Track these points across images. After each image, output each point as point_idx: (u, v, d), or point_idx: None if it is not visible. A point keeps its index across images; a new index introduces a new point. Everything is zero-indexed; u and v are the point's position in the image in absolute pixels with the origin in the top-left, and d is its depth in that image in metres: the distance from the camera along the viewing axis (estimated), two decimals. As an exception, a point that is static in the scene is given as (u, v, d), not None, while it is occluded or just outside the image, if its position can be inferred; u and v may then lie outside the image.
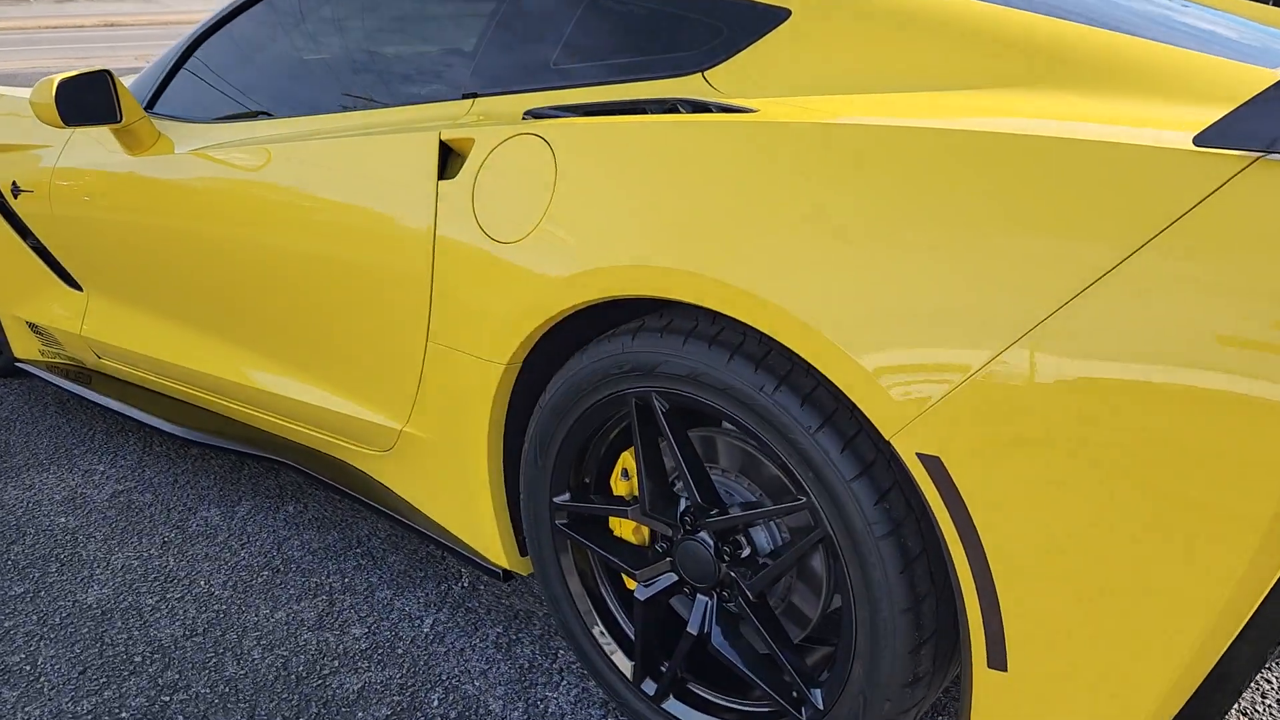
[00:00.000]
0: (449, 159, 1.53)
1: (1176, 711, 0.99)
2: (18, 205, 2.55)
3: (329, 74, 1.93)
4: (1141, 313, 0.90)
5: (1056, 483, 0.96)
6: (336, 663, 1.73)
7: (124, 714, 1.62)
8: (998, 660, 1.06)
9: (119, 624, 1.85)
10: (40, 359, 2.79)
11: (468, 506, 1.62)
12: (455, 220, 1.47)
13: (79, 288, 2.50)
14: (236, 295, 1.95)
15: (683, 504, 1.37)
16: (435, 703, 1.63)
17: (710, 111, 1.27)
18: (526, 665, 1.71)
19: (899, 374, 1.03)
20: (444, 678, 1.69)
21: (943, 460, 1.02)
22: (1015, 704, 1.06)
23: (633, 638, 1.49)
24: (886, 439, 1.05)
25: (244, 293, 1.93)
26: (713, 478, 1.34)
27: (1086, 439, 0.94)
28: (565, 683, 1.67)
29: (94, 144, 2.28)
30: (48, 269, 2.58)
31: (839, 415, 1.13)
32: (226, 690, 1.66)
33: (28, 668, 1.74)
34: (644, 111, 1.32)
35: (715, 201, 1.17)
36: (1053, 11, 1.32)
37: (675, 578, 1.40)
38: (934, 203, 1.02)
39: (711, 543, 1.32)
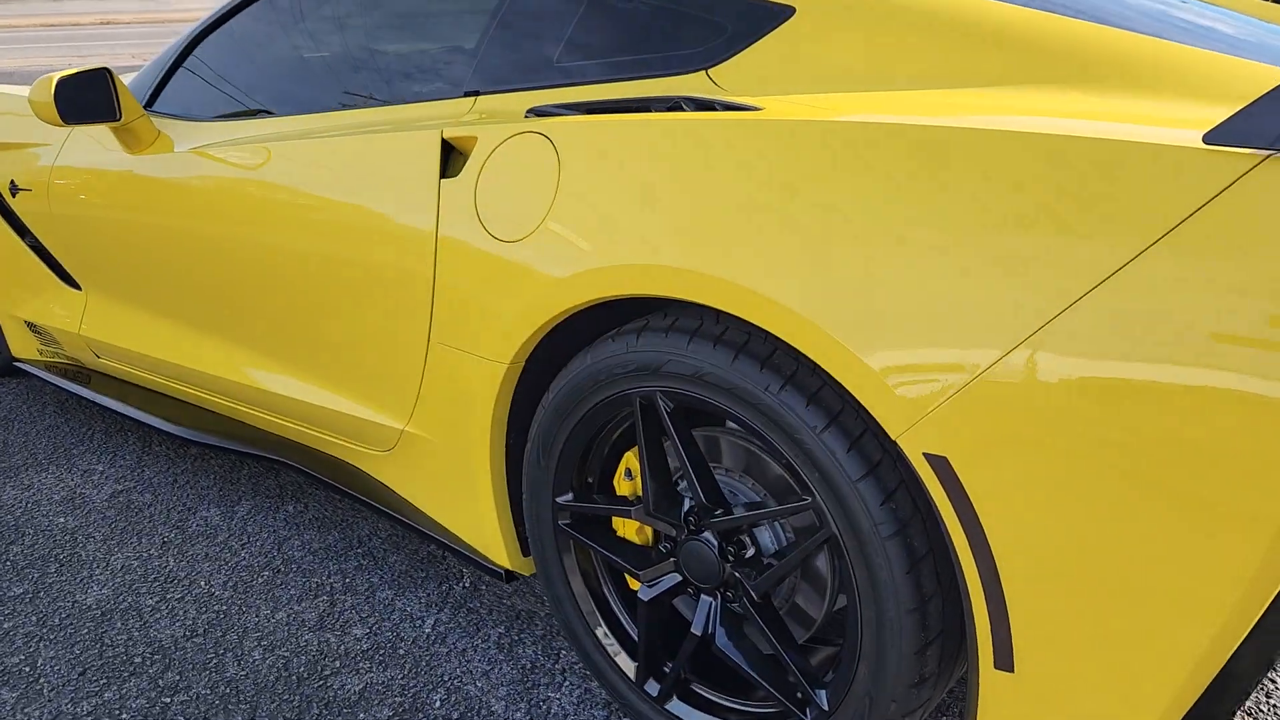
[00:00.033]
0: (451, 157, 1.52)
1: (1184, 713, 0.98)
2: (16, 204, 2.54)
3: (330, 72, 1.92)
4: (1151, 312, 0.89)
5: (1064, 483, 0.96)
6: (338, 663, 1.72)
7: (124, 715, 1.61)
8: (1004, 661, 1.05)
9: (119, 625, 1.84)
10: (39, 358, 2.78)
11: (470, 507, 1.62)
12: (458, 219, 1.47)
13: (77, 287, 2.49)
14: (237, 294, 1.95)
15: (687, 504, 1.36)
16: (437, 704, 1.62)
17: (715, 109, 1.26)
18: (529, 666, 1.71)
19: (906, 373, 1.02)
20: (446, 678, 1.68)
21: (950, 460, 1.02)
22: (1022, 705, 1.06)
23: (636, 638, 1.48)
24: (893, 439, 1.05)
25: (244, 292, 1.92)
26: (717, 477, 1.34)
27: (1094, 439, 0.93)
28: (568, 683, 1.66)
29: (93, 142, 2.27)
30: (46, 268, 2.57)
31: (845, 415, 1.13)
32: (227, 691, 1.66)
33: (27, 669, 1.73)
34: (648, 109, 1.31)
35: (720, 200, 1.16)
36: (1058, 9, 1.31)
37: (679, 578, 1.39)
38: (941, 201, 1.01)
39: (716, 543, 1.31)
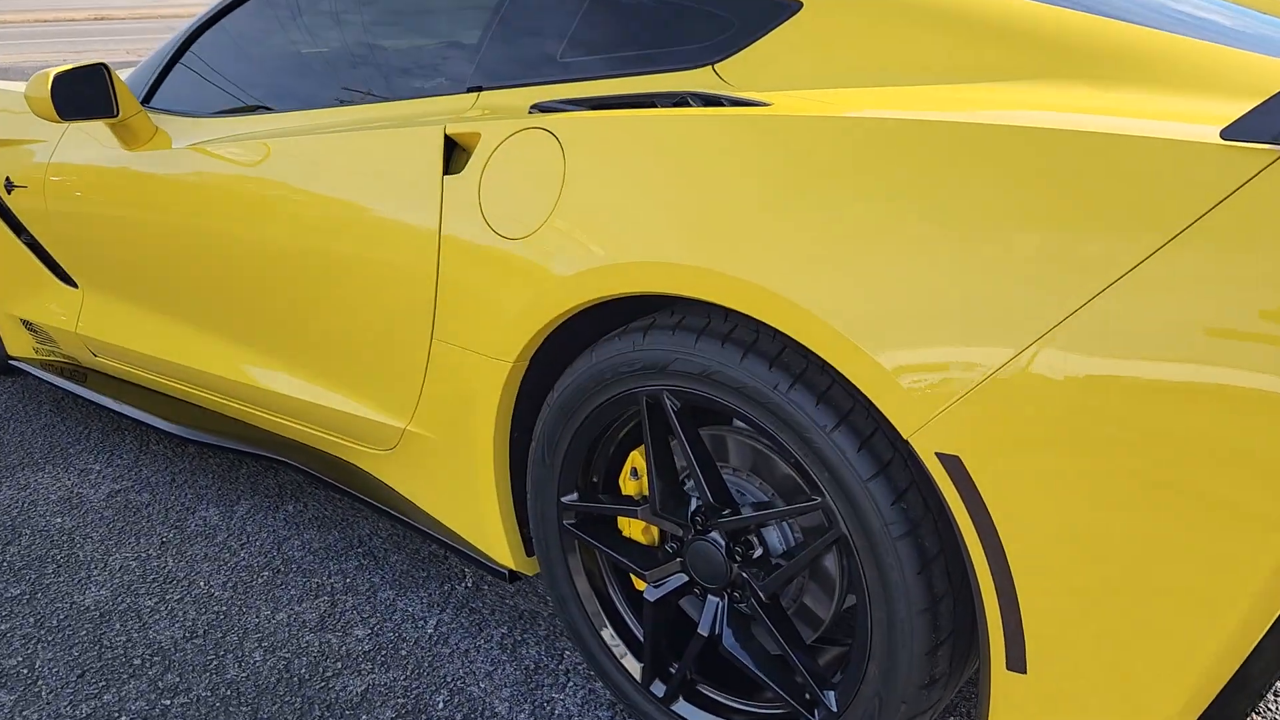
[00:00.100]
0: (454, 153, 1.50)
1: (1199, 715, 0.97)
2: (11, 201, 2.52)
3: (329, 67, 1.90)
4: (1167, 310, 0.88)
5: (1078, 483, 0.95)
6: (339, 665, 1.71)
7: (124, 718, 1.59)
8: (1017, 663, 1.04)
9: (117, 626, 1.82)
10: (35, 357, 2.76)
11: (473, 506, 1.60)
12: (461, 216, 1.45)
13: (74, 284, 2.47)
14: (236, 292, 1.93)
15: (693, 504, 1.35)
16: (440, 705, 1.61)
17: (722, 105, 1.24)
18: (532, 666, 1.69)
19: (918, 372, 1.01)
20: (449, 679, 1.67)
21: (962, 460, 1.00)
22: (1034, 707, 1.05)
23: (641, 639, 1.47)
24: (905, 438, 1.04)
25: (243, 289, 1.90)
26: (724, 477, 1.33)
27: (1109, 438, 0.92)
28: (572, 684, 1.65)
29: (89, 139, 2.25)
30: (42, 266, 2.55)
31: (855, 414, 1.11)
32: (228, 693, 1.64)
33: (25, 671, 1.71)
34: (653, 105, 1.30)
35: (728, 197, 1.15)
36: (1066, 3, 1.30)
37: (685, 578, 1.38)
38: (953, 197, 1.00)
39: (723, 543, 1.30)
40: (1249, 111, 0.89)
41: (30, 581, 1.98)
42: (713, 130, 1.19)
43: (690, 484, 1.37)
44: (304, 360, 1.85)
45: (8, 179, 2.49)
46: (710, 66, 1.39)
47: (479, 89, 1.63)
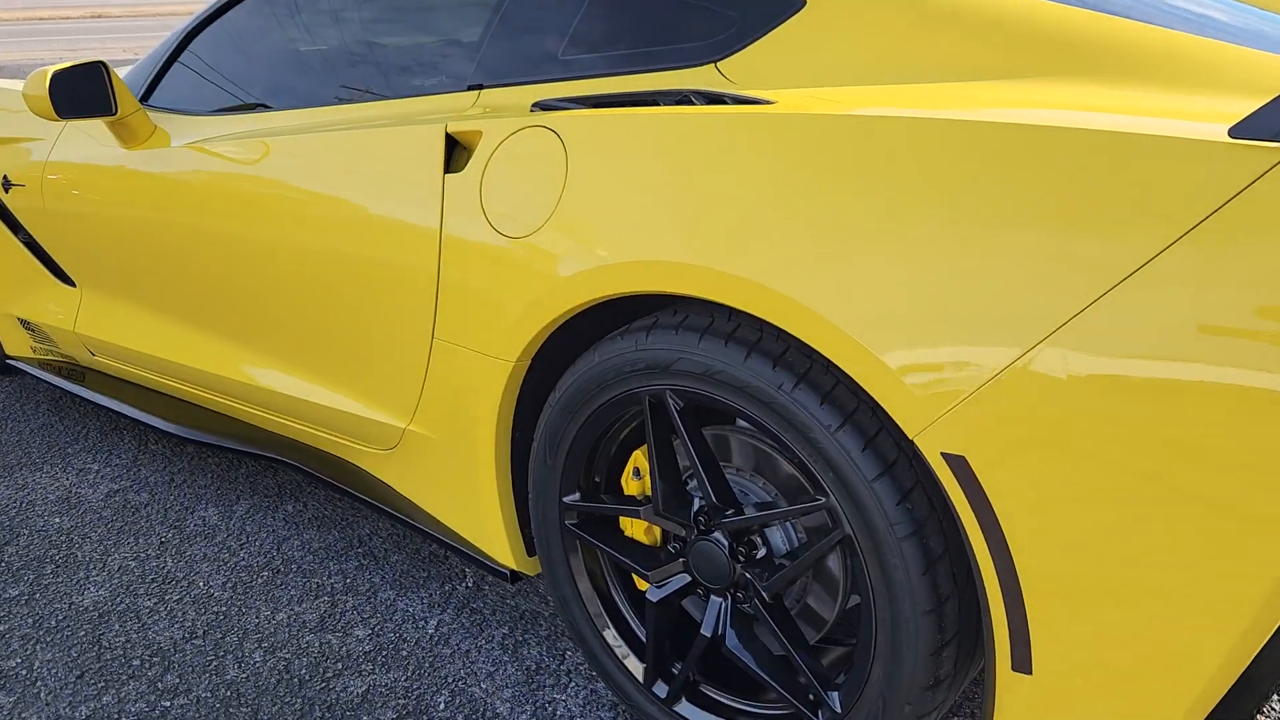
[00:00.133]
0: (455, 152, 1.49)
1: (1205, 716, 0.97)
2: (9, 199, 2.51)
3: (329, 66, 1.90)
4: (1176, 309, 0.87)
5: (1085, 484, 0.94)
6: (340, 665, 1.70)
7: (123, 719, 1.58)
8: (1022, 664, 1.04)
9: (117, 627, 1.82)
10: (32, 356, 2.75)
11: (474, 506, 1.59)
12: (462, 215, 1.44)
13: (72, 284, 2.46)
14: (235, 291, 1.92)
15: (696, 504, 1.34)
16: (441, 706, 1.60)
17: (725, 103, 1.24)
18: (534, 667, 1.69)
19: (923, 372, 1.01)
20: (450, 680, 1.66)
21: (968, 460, 1.00)
22: (1040, 708, 1.04)
23: (644, 639, 1.46)
24: (910, 438, 1.03)
25: (243, 289, 1.89)
26: (727, 477, 1.32)
27: (1116, 439, 0.92)
28: (573, 684, 1.65)
29: (87, 137, 2.24)
30: (40, 265, 2.54)
31: (860, 413, 1.11)
32: (228, 694, 1.63)
33: (24, 672, 1.70)
34: (656, 103, 1.29)
35: (732, 195, 1.14)
36: (1073, 1, 1.29)
37: (688, 579, 1.38)
38: (958, 196, 0.99)
39: (726, 543, 1.30)
40: (1257, 109, 0.88)
41: (29, 582, 1.97)
42: (716, 129, 1.18)
43: (693, 484, 1.36)
44: (304, 359, 1.84)
45: (5, 177, 2.48)
46: (713, 64, 1.38)
47: (480, 87, 1.62)
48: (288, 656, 1.72)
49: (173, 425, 2.19)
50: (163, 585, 1.94)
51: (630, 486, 1.44)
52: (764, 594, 1.27)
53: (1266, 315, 0.84)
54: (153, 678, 1.68)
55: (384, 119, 1.70)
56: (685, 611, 1.47)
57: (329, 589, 1.92)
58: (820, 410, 1.11)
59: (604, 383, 1.32)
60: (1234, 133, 0.88)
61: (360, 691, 1.63)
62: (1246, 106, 1.03)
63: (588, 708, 1.59)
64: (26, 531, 2.16)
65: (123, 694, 1.64)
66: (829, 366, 1.13)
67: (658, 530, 1.43)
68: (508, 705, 1.60)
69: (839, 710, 1.23)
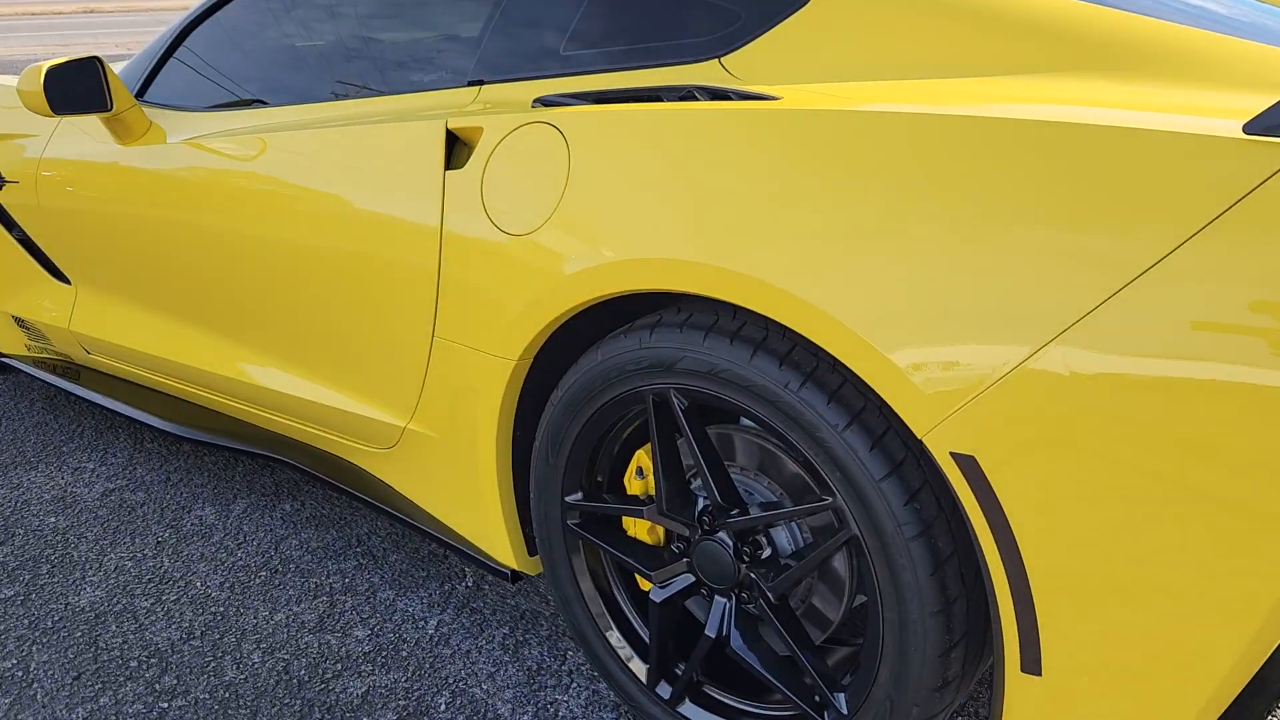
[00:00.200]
0: (456, 148, 1.48)
1: (1217, 718, 0.96)
2: (3, 196, 2.48)
3: (327, 61, 1.88)
4: (1188, 307, 0.86)
5: (1095, 483, 0.93)
6: (339, 666, 1.69)
7: (121, 721, 1.57)
8: (1032, 665, 1.03)
9: (113, 628, 1.80)
10: (26, 354, 2.72)
11: (474, 505, 1.58)
12: (463, 212, 1.43)
13: (66, 281, 2.44)
14: (232, 289, 1.90)
15: (700, 503, 1.33)
16: (442, 706, 1.59)
17: (729, 99, 1.22)
18: (535, 667, 1.68)
19: (932, 370, 1.00)
20: (450, 680, 1.65)
21: (978, 460, 0.99)
22: (1049, 710, 1.04)
23: (647, 640, 1.45)
24: (918, 438, 1.02)
25: (240, 286, 1.88)
26: (732, 476, 1.31)
27: (1127, 438, 0.91)
28: (575, 685, 1.63)
29: (82, 133, 2.22)
30: (34, 262, 2.52)
31: (867, 413, 1.10)
32: (227, 696, 1.62)
33: (20, 674, 1.69)
34: (659, 99, 1.28)
35: (736, 192, 1.13)
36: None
37: (692, 579, 1.37)
38: (967, 193, 0.98)
39: (730, 543, 1.29)
40: (1272, 105, 0.87)
41: (24, 582, 1.95)
42: (720, 125, 1.17)
43: (697, 483, 1.35)
44: (302, 357, 1.83)
45: (-1, 174, 2.46)
46: (716, 60, 1.37)
47: (480, 83, 1.60)
48: (286, 657, 1.71)
49: (169, 423, 2.17)
50: (160, 585, 1.93)
51: (633, 486, 1.43)
52: (769, 594, 1.26)
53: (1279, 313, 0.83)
54: (150, 679, 1.66)
55: (383, 115, 1.68)
56: (689, 612, 1.46)
57: (328, 589, 1.90)
58: (827, 409, 1.10)
59: (607, 381, 1.31)
60: (1248, 128, 0.87)
61: (360, 693, 1.62)
62: (1258, 102, 1.02)
63: (590, 708, 1.58)
64: (21, 531, 2.14)
65: (120, 695, 1.62)
66: (836, 365, 1.12)
67: (661, 530, 1.42)
68: (509, 706, 1.59)
69: (845, 712, 1.22)
